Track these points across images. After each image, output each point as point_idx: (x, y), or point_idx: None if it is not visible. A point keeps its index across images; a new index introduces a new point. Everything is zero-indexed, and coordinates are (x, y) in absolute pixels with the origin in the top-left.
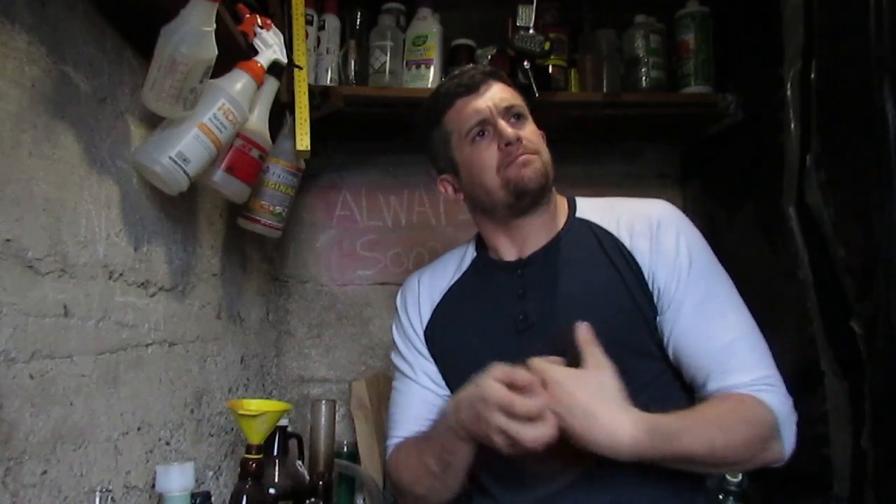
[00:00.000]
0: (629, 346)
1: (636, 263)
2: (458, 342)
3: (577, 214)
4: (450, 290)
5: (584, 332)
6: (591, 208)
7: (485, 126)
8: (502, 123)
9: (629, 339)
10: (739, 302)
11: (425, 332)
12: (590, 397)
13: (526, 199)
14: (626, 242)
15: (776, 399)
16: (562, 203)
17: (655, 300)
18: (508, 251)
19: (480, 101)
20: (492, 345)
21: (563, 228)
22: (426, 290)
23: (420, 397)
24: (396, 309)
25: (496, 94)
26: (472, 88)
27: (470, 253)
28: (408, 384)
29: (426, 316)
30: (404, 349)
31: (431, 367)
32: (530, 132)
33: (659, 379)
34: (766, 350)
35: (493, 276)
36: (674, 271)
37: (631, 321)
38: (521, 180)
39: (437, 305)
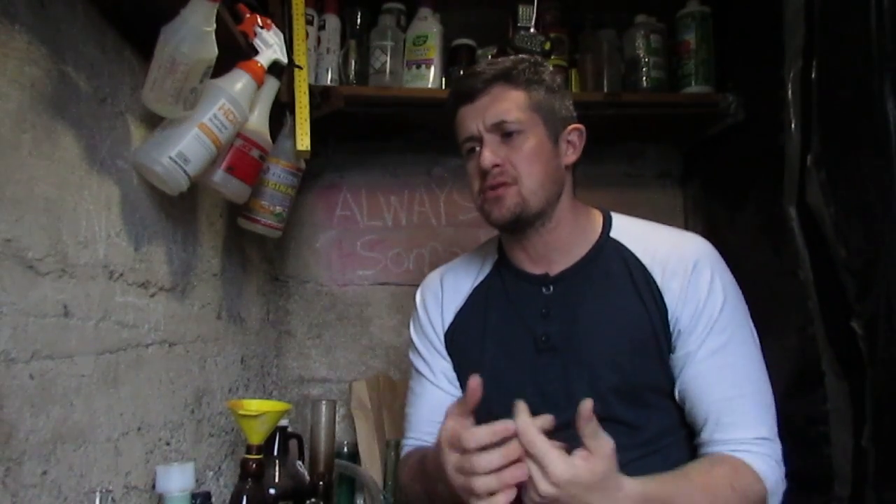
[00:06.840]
0: (645, 379)
1: (664, 303)
2: (478, 351)
3: (612, 234)
4: (473, 293)
5: (586, 410)
6: (627, 231)
7: (473, 143)
8: (486, 146)
9: (646, 373)
10: (756, 357)
11: (446, 335)
12: (591, 492)
13: (504, 228)
14: (658, 279)
15: (768, 468)
16: (594, 216)
17: (674, 340)
18: (530, 264)
19: (473, 114)
20: (511, 360)
21: (593, 247)
22: (450, 291)
23: (436, 399)
24: (416, 307)
25: (490, 107)
26: (470, 97)
27: (492, 255)
28: (425, 385)
29: (448, 319)
30: (423, 349)
31: (450, 368)
32: (518, 153)
33: (671, 413)
34: (769, 411)
35: (518, 286)
36: (698, 317)
37: (650, 356)
38: (489, 216)
39: (460, 309)
